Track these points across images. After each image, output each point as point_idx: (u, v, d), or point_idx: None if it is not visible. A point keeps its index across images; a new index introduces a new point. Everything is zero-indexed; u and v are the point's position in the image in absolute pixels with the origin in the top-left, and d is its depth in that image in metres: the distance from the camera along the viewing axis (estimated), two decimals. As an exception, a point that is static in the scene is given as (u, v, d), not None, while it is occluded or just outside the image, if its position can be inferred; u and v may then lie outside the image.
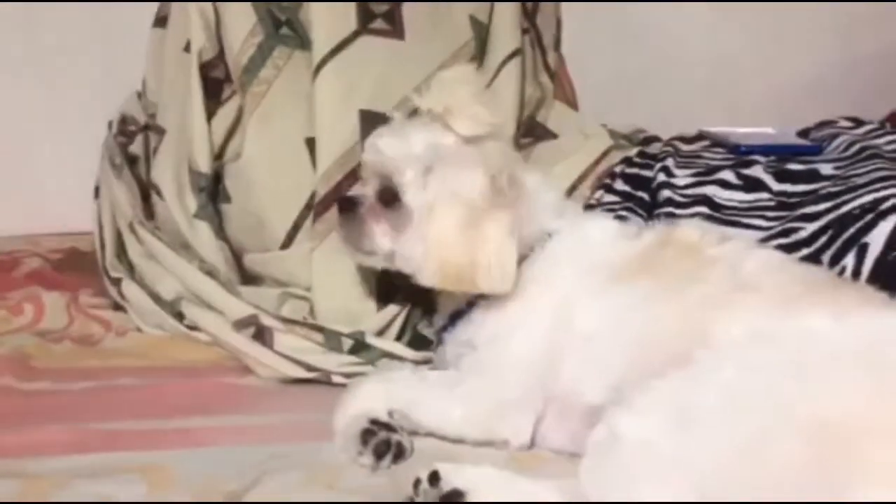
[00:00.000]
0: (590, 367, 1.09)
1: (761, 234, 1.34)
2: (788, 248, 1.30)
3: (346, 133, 1.38)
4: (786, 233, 1.34)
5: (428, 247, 1.17)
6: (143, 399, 1.28)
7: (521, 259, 1.19)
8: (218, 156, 1.49)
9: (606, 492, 0.90)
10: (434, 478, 0.99)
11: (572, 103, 1.70)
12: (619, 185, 1.50)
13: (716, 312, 1.03)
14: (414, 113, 1.26)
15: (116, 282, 1.53)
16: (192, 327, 1.45)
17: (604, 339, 1.09)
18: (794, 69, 2.29)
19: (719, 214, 1.39)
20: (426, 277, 1.19)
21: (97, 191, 1.64)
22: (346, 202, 1.28)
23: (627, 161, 1.53)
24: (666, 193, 1.44)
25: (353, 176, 1.36)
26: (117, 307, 1.53)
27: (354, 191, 1.30)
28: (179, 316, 1.46)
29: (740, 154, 1.50)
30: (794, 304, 1.01)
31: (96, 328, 1.48)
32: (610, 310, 1.11)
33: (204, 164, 1.47)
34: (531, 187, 1.23)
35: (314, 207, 1.41)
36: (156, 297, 1.49)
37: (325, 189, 1.38)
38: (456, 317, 1.24)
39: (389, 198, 1.22)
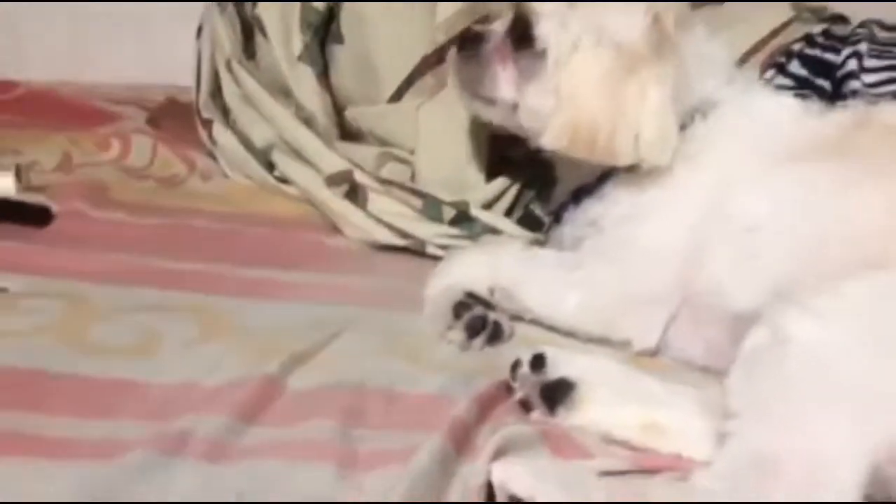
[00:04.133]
0: (748, 263, 0.88)
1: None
2: None
3: None
4: None
5: (560, 98, 0.95)
6: (215, 243, 1.16)
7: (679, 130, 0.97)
8: (335, -9, 1.33)
9: (763, 409, 0.69)
10: (538, 362, 0.81)
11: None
12: (795, 68, 1.26)
13: None
14: None
15: (208, 124, 1.42)
16: (283, 179, 1.33)
17: (773, 230, 0.87)
18: None
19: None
20: (552, 139, 0.97)
21: (199, 30, 1.52)
22: (468, 38, 1.07)
23: (808, 39, 1.28)
24: (854, 85, 1.21)
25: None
26: (208, 154, 1.42)
27: (483, 25, 1.09)
28: (270, 166, 1.35)
29: (955, 44, 1.22)
30: None
31: (180, 167, 1.38)
32: (784, 195, 0.89)
33: None
34: (698, 41, 1.00)
35: (428, 58, 1.26)
36: (247, 144, 1.37)
37: (443, 38, 1.22)
38: (581, 192, 1.04)
39: (522, 34, 1.00)
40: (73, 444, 0.74)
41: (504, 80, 1.02)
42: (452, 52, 1.07)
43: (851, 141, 0.90)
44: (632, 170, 0.97)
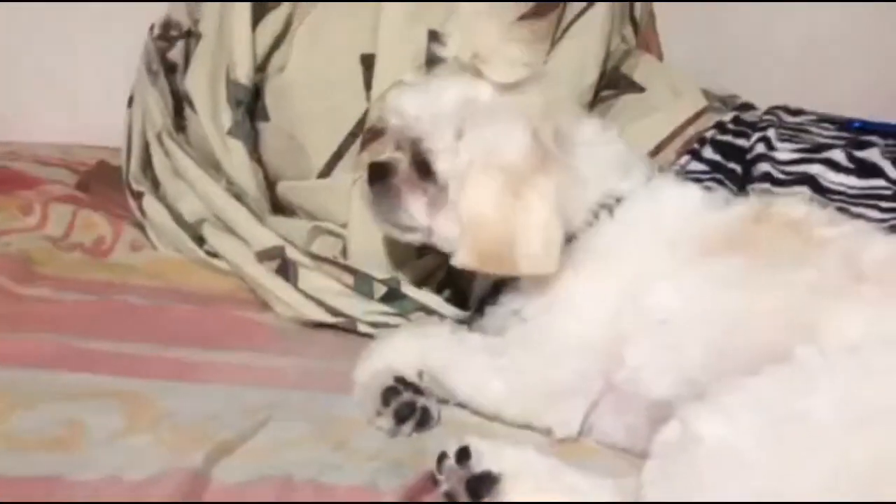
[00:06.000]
0: (662, 354, 0.91)
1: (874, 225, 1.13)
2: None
3: (412, 52, 1.22)
4: (904, 227, 1.15)
5: (462, 223, 1.00)
6: (143, 320, 1.15)
7: (584, 228, 1.01)
8: (260, 68, 1.34)
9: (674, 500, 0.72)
10: (463, 455, 0.82)
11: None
12: (709, 153, 1.32)
13: (827, 303, 0.85)
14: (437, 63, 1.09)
15: (138, 196, 1.41)
16: (213, 254, 1.33)
17: (683, 322, 0.91)
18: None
19: (824, 199, 1.20)
20: (462, 259, 1.01)
21: (131, 99, 1.52)
22: (378, 169, 1.10)
23: (720, 127, 1.35)
24: (764, 167, 1.26)
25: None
26: (138, 225, 1.41)
27: (387, 155, 1.12)
28: (200, 240, 1.34)
29: (854, 130, 1.30)
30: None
31: (106, 230, 1.37)
32: (692, 289, 0.92)
33: (244, 75, 1.33)
34: (589, 140, 1.05)
35: (363, 135, 1.27)
36: (177, 217, 1.36)
37: (378, 115, 1.23)
38: (501, 285, 1.07)
39: (424, 167, 1.04)
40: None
41: (416, 209, 1.06)
42: (365, 186, 1.11)
43: (752, 234, 0.94)
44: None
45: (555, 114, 1.02)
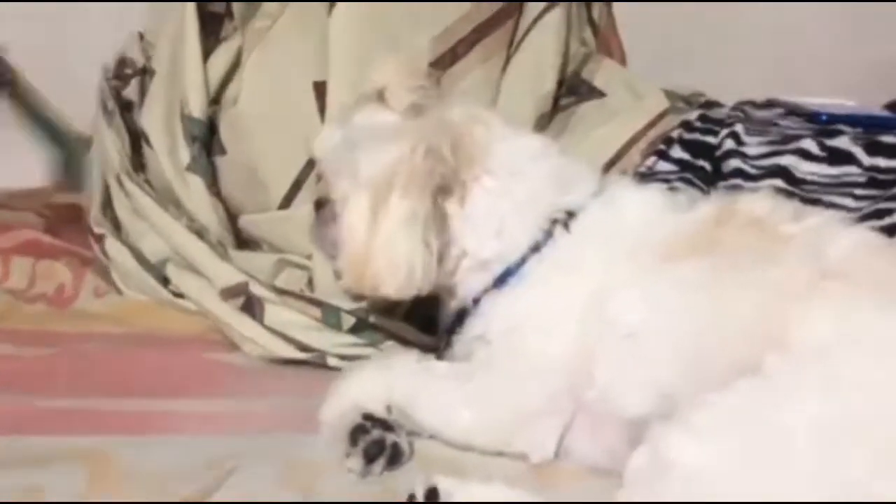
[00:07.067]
0: (632, 369, 0.88)
1: (848, 216, 1.11)
2: (881, 233, 1.07)
3: (365, 77, 1.18)
4: (878, 214, 1.13)
5: (340, 244, 1.00)
6: (105, 372, 1.12)
7: (539, 244, 0.99)
8: (214, 100, 1.32)
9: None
10: (432, 495, 0.79)
11: (621, 63, 1.49)
12: (676, 152, 1.29)
13: (794, 305, 0.82)
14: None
15: (100, 238, 1.38)
16: (178, 294, 1.29)
17: (649, 335, 0.88)
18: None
19: (797, 190, 1.19)
20: (343, 280, 1.02)
21: (91, 140, 1.49)
22: (319, 204, 1.11)
23: (686, 125, 1.32)
24: (734, 163, 1.24)
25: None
26: (102, 269, 1.37)
27: (323, 189, 1.11)
28: (165, 280, 1.31)
29: (822, 123, 1.28)
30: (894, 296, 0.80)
31: (66, 277, 1.34)
32: (656, 300, 0.89)
33: (198, 109, 1.30)
34: (525, 156, 1.02)
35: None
36: (140, 258, 1.33)
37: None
38: (463, 314, 1.04)
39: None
40: None
41: (335, 240, 1.04)
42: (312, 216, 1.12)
43: (716, 236, 0.91)
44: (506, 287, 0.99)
45: (458, 130, 0.99)
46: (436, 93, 1.02)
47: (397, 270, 0.95)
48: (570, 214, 0.99)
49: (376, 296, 1.01)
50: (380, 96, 1.02)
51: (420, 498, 0.80)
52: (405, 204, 0.94)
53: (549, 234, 0.98)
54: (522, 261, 0.98)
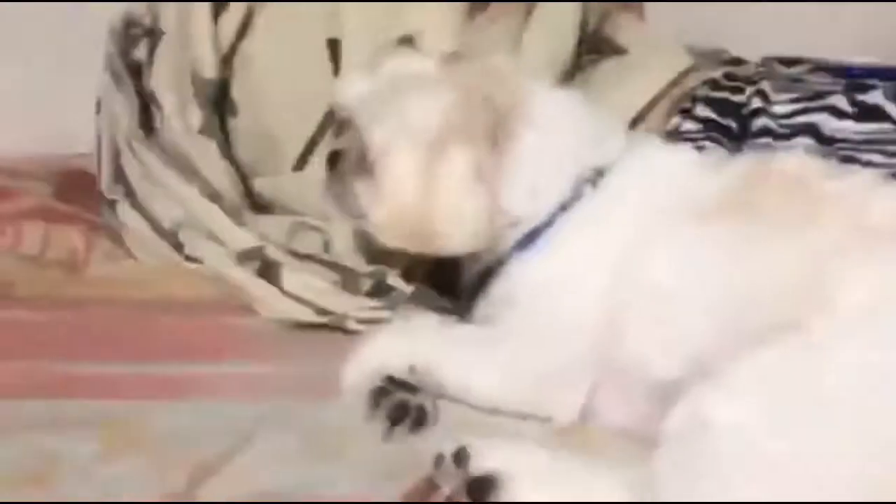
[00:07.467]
0: (664, 331, 0.85)
1: (881, 173, 1.07)
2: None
3: (380, 31, 1.16)
4: (911, 171, 1.10)
5: (384, 202, 0.96)
6: (120, 336, 1.10)
7: (568, 203, 0.96)
8: (225, 61, 1.29)
9: (690, 492, 0.67)
10: (461, 456, 0.77)
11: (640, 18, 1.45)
12: (701, 111, 1.26)
13: (835, 266, 0.79)
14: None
15: (113, 205, 1.36)
16: (193, 259, 1.27)
17: (683, 296, 0.85)
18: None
19: (829, 148, 1.15)
20: (385, 237, 0.98)
21: (99, 105, 1.45)
22: (332, 157, 1.06)
23: (712, 83, 1.30)
24: (761, 121, 1.22)
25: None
26: (115, 235, 1.35)
27: (343, 142, 1.07)
28: (180, 246, 1.28)
29: (853, 78, 1.24)
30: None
31: (78, 243, 1.31)
32: (690, 260, 0.86)
33: (209, 69, 1.28)
34: (556, 112, 0.98)
35: (334, 121, 1.20)
36: (154, 224, 1.31)
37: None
38: (487, 275, 1.01)
39: (364, 151, 0.99)
40: None
41: (362, 194, 1.01)
42: (325, 173, 1.07)
43: (752, 194, 0.88)
44: (530, 247, 0.96)
45: (495, 82, 0.96)
46: (473, 39, 0.97)
47: (463, 224, 0.91)
48: (599, 172, 0.96)
49: (427, 252, 0.98)
50: (409, 43, 0.97)
51: (448, 459, 0.78)
52: (467, 154, 0.90)
53: (578, 193, 0.96)
54: (550, 220, 0.95)
